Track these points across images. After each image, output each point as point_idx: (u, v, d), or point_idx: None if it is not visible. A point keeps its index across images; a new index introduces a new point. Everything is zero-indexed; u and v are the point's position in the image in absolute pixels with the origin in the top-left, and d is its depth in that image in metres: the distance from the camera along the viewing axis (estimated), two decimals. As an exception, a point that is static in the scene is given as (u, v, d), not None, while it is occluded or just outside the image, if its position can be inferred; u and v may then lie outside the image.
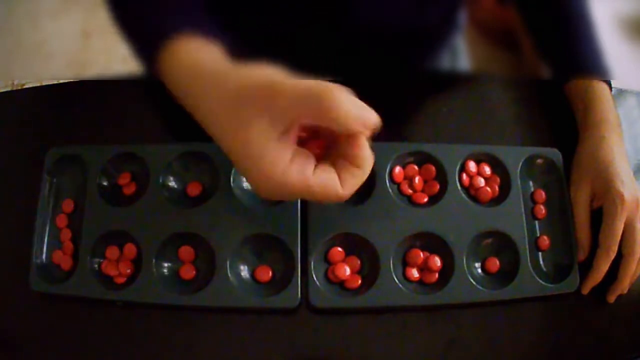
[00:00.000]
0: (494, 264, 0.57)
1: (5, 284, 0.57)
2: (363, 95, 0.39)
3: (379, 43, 0.64)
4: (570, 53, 0.63)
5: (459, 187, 0.58)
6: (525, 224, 0.57)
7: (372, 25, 0.61)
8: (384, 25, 0.62)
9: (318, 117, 0.37)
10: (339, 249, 0.55)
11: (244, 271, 0.55)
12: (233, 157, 0.40)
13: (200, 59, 0.42)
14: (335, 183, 0.40)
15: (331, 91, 0.36)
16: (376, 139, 0.41)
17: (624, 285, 0.57)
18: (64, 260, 0.55)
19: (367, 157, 0.40)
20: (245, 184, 0.58)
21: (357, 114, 0.38)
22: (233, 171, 0.57)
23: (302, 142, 0.41)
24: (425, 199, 0.58)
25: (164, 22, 0.44)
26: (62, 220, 0.57)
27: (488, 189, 0.59)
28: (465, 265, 0.55)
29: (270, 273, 0.55)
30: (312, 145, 0.42)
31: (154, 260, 0.54)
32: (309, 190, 0.39)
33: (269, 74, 0.38)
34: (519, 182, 0.59)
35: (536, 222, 0.60)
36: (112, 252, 0.55)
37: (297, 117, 0.38)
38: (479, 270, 0.57)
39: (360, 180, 0.41)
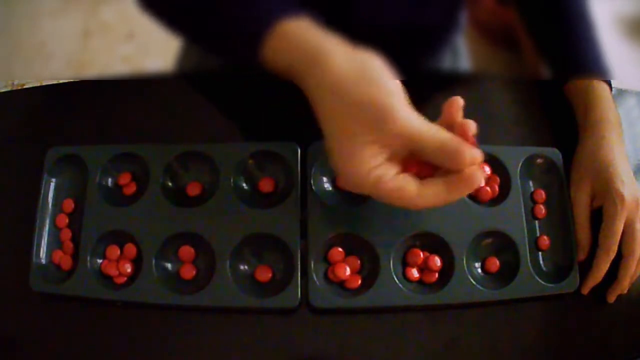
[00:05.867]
0: (494, 264, 0.57)
1: (5, 284, 0.57)
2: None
3: (379, 42, 0.64)
4: (570, 53, 0.63)
5: (459, 187, 0.58)
6: (525, 224, 0.57)
7: (372, 24, 0.61)
8: (384, 24, 0.61)
9: (443, 162, 0.43)
10: (339, 249, 0.55)
11: (244, 271, 0.55)
12: (329, 144, 0.44)
13: (316, 41, 0.44)
14: (406, 192, 0.43)
15: (465, 150, 0.42)
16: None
17: (624, 285, 0.57)
18: (64, 260, 0.55)
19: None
20: (246, 184, 0.58)
21: (475, 159, 0.43)
22: (233, 171, 0.57)
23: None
24: (425, 199, 0.58)
25: (268, 5, 0.45)
26: (62, 220, 0.57)
27: (488, 189, 0.59)
28: (465, 265, 0.55)
29: (270, 273, 0.55)
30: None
31: (154, 260, 0.54)
32: (379, 194, 0.43)
33: (386, 93, 0.43)
34: (519, 182, 0.59)
35: (536, 222, 0.60)
36: (112, 252, 0.55)
37: (409, 152, 0.43)
38: (479, 270, 0.57)
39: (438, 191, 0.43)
